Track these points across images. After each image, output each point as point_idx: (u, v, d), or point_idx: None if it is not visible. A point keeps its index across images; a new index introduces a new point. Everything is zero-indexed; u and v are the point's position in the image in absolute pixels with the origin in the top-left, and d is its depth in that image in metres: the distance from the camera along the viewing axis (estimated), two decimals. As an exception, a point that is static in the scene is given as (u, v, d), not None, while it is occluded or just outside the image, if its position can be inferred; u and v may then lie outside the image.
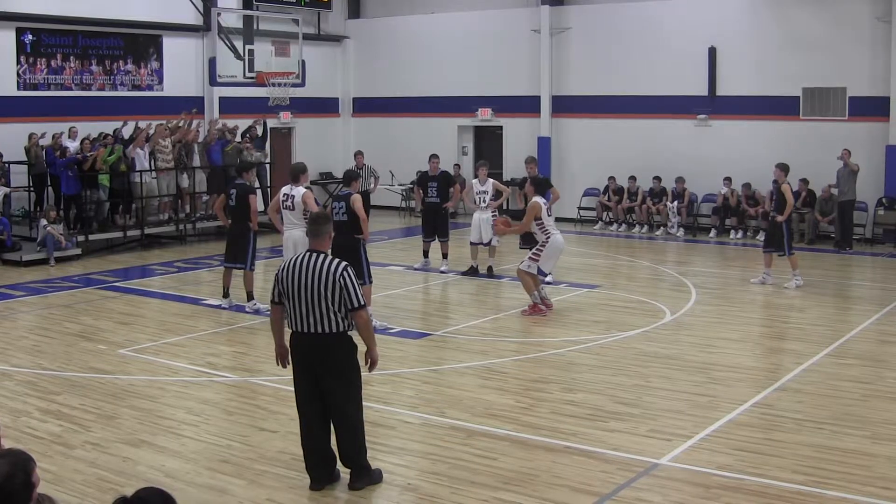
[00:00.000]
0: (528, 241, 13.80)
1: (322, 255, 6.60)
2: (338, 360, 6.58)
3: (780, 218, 14.33)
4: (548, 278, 13.49)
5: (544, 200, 12.54)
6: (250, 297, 12.84)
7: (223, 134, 20.37)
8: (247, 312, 12.65)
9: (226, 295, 13.02)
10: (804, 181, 19.14)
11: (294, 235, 11.96)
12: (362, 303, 6.56)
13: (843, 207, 18.62)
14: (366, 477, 6.74)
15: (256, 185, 21.35)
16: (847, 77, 19.36)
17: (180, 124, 19.70)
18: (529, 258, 12.50)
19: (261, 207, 21.10)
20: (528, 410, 8.51)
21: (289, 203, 12.04)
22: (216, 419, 8.43)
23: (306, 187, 12.21)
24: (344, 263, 6.59)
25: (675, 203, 20.76)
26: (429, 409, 8.57)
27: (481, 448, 7.51)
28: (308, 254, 6.65)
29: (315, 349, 6.54)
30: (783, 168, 14.45)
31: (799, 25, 19.79)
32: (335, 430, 6.72)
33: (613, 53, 22.00)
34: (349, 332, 6.61)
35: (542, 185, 12.90)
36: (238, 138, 20.48)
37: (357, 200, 11.45)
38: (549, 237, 12.41)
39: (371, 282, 11.72)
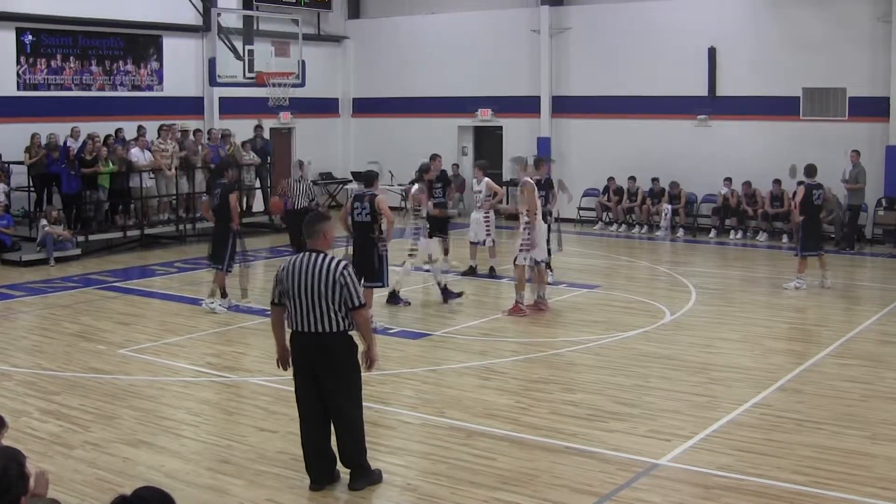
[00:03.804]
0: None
1: (322, 255, 6.60)
2: (338, 360, 6.58)
3: (797, 219, 14.64)
4: (548, 279, 13.46)
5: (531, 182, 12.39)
6: (214, 293, 12.79)
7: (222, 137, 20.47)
8: (208, 307, 12.64)
9: (224, 295, 13.02)
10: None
11: None
12: (362, 302, 6.58)
13: (850, 209, 18.56)
14: (366, 477, 6.74)
15: (257, 185, 21.50)
16: (847, 77, 19.35)
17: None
18: (521, 249, 12.38)
19: (260, 207, 21.39)
20: (528, 411, 8.51)
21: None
22: (216, 419, 8.44)
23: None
24: (344, 262, 6.60)
25: (669, 207, 20.74)
26: (428, 409, 8.57)
27: (481, 448, 7.51)
28: (307, 253, 6.64)
29: (315, 348, 6.54)
30: (805, 169, 14.60)
31: (799, 25, 19.78)
32: (335, 430, 6.72)
33: (613, 54, 21.98)
34: (349, 332, 6.62)
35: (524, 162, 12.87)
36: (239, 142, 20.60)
37: (383, 201, 11.37)
38: (533, 221, 12.27)
39: (388, 284, 11.70)
